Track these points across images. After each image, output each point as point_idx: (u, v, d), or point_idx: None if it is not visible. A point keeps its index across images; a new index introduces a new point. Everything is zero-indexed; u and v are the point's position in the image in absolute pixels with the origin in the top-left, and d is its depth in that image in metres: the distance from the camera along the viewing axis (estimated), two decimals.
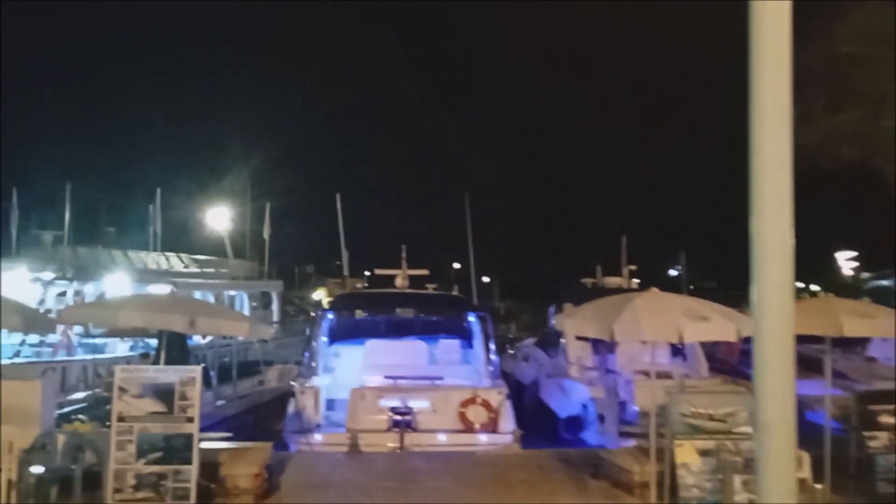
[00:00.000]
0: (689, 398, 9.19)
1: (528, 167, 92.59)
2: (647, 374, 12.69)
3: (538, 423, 15.71)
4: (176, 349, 11.59)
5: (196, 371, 8.75)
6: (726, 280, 42.28)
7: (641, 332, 9.92)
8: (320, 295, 49.27)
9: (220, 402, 17.82)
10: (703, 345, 15.66)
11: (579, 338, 15.50)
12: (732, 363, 16.95)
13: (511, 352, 23.17)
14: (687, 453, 8.79)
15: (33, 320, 10.65)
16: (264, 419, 17.88)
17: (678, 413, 8.93)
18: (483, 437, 12.84)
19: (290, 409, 13.49)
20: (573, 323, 11.25)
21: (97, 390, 15.24)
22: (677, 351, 15.55)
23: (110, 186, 33.19)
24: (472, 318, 16.78)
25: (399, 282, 18.84)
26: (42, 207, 28.64)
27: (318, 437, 12.81)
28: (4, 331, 13.13)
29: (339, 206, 30.36)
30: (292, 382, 15.02)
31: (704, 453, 8.79)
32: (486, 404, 13.08)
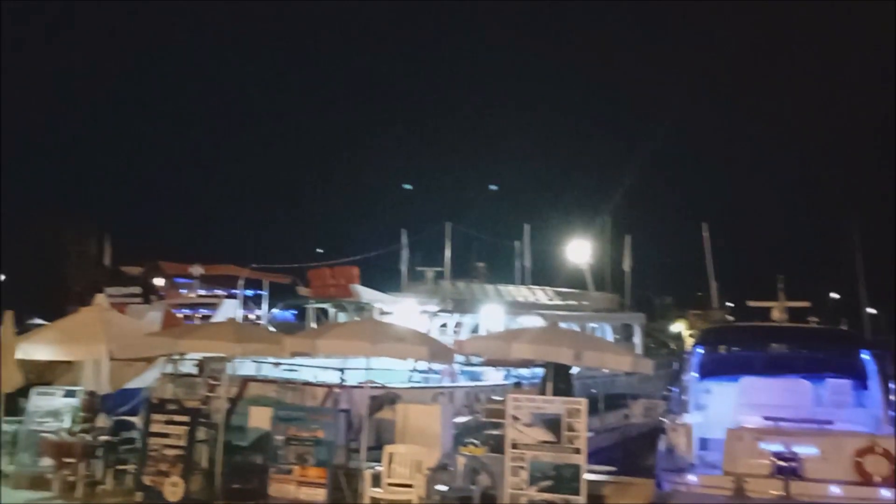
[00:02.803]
0: None
1: None
2: None
3: None
4: (561, 380, 11.99)
5: (582, 403, 9.03)
6: None
7: None
8: (680, 327, 47.81)
9: (588, 434, 18.08)
10: None
11: None
12: None
13: None
14: None
15: (437, 351, 11.79)
16: (632, 454, 17.77)
17: None
18: (887, 493, 11.35)
19: (661, 446, 13.20)
20: None
21: (477, 415, 16.35)
22: None
23: (481, 225, 35.99)
24: (865, 355, 15.02)
25: (776, 315, 17.48)
26: (425, 246, 31.92)
27: (693, 477, 12.37)
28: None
29: (706, 235, 29.26)
30: (662, 418, 14.70)
31: None
32: (887, 454, 11.58)
